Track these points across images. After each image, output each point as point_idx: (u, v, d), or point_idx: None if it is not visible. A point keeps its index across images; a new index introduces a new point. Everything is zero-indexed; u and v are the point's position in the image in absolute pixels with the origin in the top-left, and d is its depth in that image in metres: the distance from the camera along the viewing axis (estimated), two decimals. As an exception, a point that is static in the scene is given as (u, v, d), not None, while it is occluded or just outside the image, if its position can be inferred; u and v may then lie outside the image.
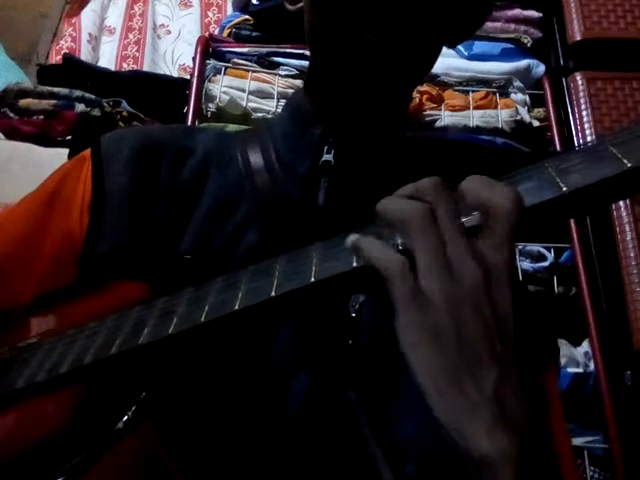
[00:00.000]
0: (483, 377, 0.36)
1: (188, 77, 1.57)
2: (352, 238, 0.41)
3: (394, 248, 0.39)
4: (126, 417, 0.42)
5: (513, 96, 1.55)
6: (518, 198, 0.38)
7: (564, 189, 0.38)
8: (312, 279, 0.40)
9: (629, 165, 0.37)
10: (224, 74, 1.51)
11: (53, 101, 1.53)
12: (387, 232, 0.40)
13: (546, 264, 1.41)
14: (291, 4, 0.65)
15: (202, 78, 1.50)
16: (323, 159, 0.60)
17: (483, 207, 0.39)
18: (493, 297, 0.37)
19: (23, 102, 1.53)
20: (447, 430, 0.36)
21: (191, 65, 1.62)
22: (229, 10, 1.95)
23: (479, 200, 0.39)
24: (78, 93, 1.53)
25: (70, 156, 1.42)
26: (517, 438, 0.35)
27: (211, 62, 1.52)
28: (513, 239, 0.38)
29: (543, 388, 0.60)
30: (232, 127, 1.39)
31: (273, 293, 0.41)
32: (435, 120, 1.48)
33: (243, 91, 1.47)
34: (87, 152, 0.63)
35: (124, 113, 1.52)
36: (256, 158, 0.63)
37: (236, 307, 0.41)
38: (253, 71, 1.51)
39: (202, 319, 0.42)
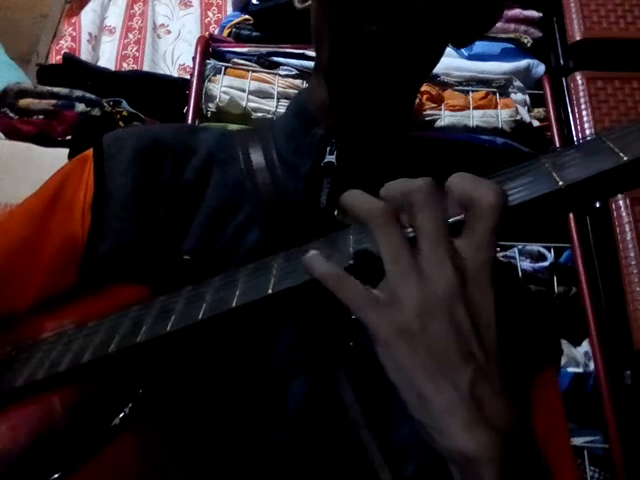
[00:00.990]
0: (458, 377, 0.36)
1: (188, 77, 1.57)
2: (307, 257, 0.41)
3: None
4: (123, 414, 0.42)
5: (513, 96, 1.55)
6: (502, 194, 0.38)
7: (560, 183, 0.38)
8: (309, 276, 0.40)
9: (626, 159, 0.37)
10: (224, 74, 1.51)
11: (53, 101, 1.53)
12: None
13: (546, 264, 1.41)
14: (299, 2, 0.65)
15: (202, 78, 1.50)
16: (326, 160, 0.60)
17: (466, 203, 0.38)
18: (470, 300, 0.37)
19: (23, 102, 1.53)
20: (425, 428, 0.36)
21: (191, 65, 1.62)
22: (229, 10, 1.95)
23: (463, 195, 0.39)
24: (78, 93, 1.53)
25: (70, 156, 1.42)
26: (498, 437, 0.35)
27: (211, 62, 1.52)
28: (495, 237, 0.38)
29: (532, 389, 0.60)
30: (232, 127, 1.39)
31: (270, 290, 0.41)
32: (435, 120, 1.48)
33: (243, 91, 1.47)
34: (89, 152, 0.63)
35: (124, 113, 1.52)
36: (258, 157, 0.62)
37: (233, 305, 0.41)
38: (253, 71, 1.51)
39: (200, 317, 0.42)
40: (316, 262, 0.40)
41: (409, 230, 0.39)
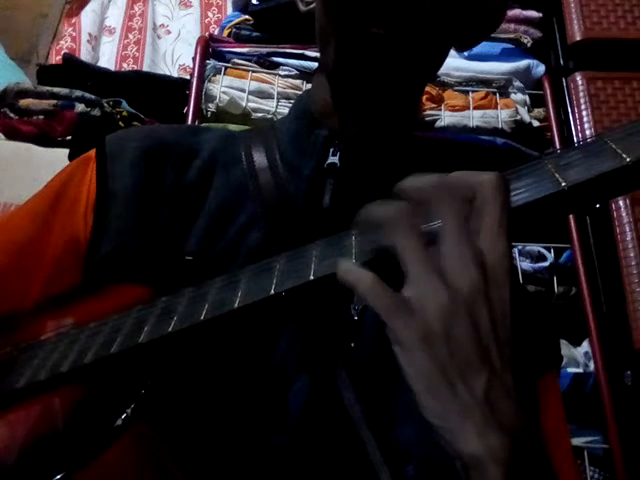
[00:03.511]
0: (474, 380, 0.36)
1: (188, 77, 1.57)
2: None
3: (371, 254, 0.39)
4: (125, 414, 0.42)
5: (513, 96, 1.55)
6: (502, 176, 0.38)
7: (563, 184, 0.38)
8: (311, 277, 0.40)
9: (628, 160, 0.37)
10: (224, 74, 1.50)
11: (53, 101, 1.53)
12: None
13: (546, 264, 1.40)
14: (303, 5, 0.65)
15: (202, 78, 1.50)
16: (329, 161, 0.60)
17: (469, 192, 0.38)
18: (490, 300, 0.37)
19: (23, 102, 1.53)
20: (438, 430, 0.36)
21: (191, 65, 1.61)
22: (229, 10, 1.95)
23: (464, 187, 0.39)
24: (78, 93, 1.53)
25: (70, 156, 1.42)
26: (508, 439, 0.35)
27: (211, 62, 1.52)
28: (506, 222, 0.38)
29: (537, 391, 0.60)
30: (232, 127, 1.39)
31: (272, 291, 0.41)
32: (435, 120, 1.48)
33: (243, 91, 1.47)
34: (92, 152, 0.62)
35: (124, 113, 1.52)
36: (260, 158, 0.62)
37: (235, 305, 0.42)
38: (253, 71, 1.51)
39: (202, 317, 0.42)
40: (345, 266, 0.39)
41: (424, 226, 0.39)
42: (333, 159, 0.59)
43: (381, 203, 0.40)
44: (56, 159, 1.40)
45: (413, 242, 0.37)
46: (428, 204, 0.39)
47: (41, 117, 1.52)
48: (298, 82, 1.51)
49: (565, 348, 1.36)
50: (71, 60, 1.72)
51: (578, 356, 1.37)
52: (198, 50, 1.53)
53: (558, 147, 1.46)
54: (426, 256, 0.37)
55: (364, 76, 0.56)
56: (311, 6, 0.62)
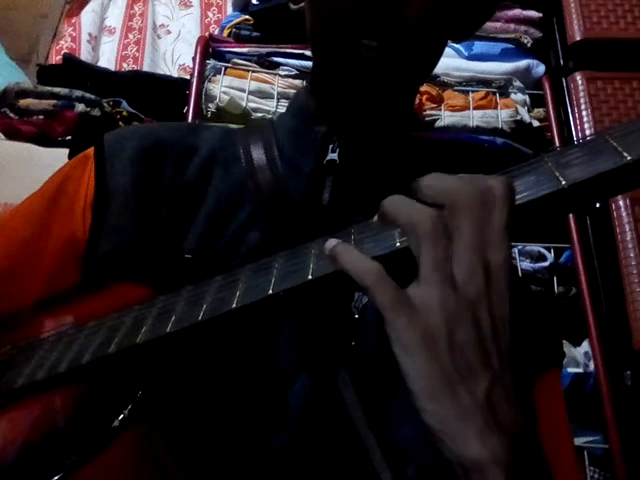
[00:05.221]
0: (475, 383, 0.36)
1: (188, 77, 1.57)
2: (329, 245, 0.40)
3: (390, 248, 0.39)
4: (122, 415, 0.42)
5: (513, 96, 1.55)
6: (511, 183, 0.38)
7: (563, 183, 0.37)
8: (309, 276, 0.40)
9: (629, 158, 0.37)
10: (224, 74, 1.51)
11: (53, 101, 1.53)
12: (387, 230, 0.40)
13: (546, 264, 1.40)
14: (294, 3, 0.65)
15: (202, 78, 1.50)
16: (328, 158, 0.59)
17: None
18: (492, 304, 0.37)
19: (23, 102, 1.53)
20: (437, 434, 0.36)
21: (191, 65, 1.62)
22: (229, 10, 1.95)
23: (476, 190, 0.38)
24: (78, 93, 1.53)
25: (70, 156, 1.42)
26: (508, 442, 0.35)
27: (211, 62, 1.52)
28: (509, 228, 0.37)
29: (534, 392, 0.60)
30: (232, 127, 1.39)
31: (270, 291, 0.41)
32: (435, 120, 1.48)
33: (243, 91, 1.47)
34: (90, 151, 0.62)
35: (124, 113, 1.52)
36: (259, 155, 0.62)
37: (233, 305, 0.41)
38: (253, 71, 1.51)
39: (200, 317, 0.42)
40: (351, 255, 0.39)
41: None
42: (332, 156, 0.59)
43: (405, 201, 0.40)
44: (56, 159, 1.40)
45: (436, 245, 0.37)
46: (453, 206, 0.38)
47: (41, 117, 1.52)
48: (298, 82, 1.51)
49: (565, 348, 1.36)
50: (71, 60, 1.72)
51: (578, 356, 1.37)
52: (198, 50, 1.54)
53: (560, 145, 1.46)
54: (443, 260, 0.37)
55: (358, 87, 0.56)
56: (301, 4, 0.62)
